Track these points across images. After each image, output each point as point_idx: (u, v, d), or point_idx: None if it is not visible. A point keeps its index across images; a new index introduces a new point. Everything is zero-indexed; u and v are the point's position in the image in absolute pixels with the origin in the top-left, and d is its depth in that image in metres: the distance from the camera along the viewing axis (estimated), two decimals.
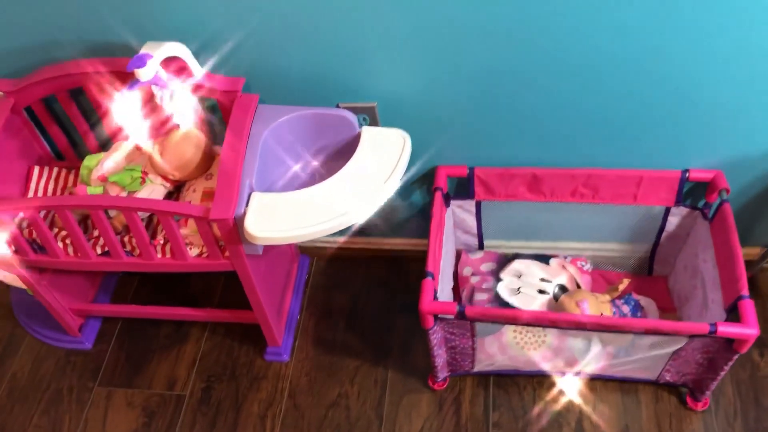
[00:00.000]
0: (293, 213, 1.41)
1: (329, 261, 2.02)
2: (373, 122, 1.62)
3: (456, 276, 1.85)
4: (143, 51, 1.33)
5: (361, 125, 1.57)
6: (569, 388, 1.70)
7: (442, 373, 1.70)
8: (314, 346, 1.84)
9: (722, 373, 1.50)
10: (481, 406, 1.70)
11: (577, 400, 1.68)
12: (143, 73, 1.31)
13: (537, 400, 1.69)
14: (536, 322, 1.45)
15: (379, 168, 1.49)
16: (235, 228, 1.41)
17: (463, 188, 1.75)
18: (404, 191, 1.81)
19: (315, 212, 1.41)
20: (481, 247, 1.88)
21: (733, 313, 1.43)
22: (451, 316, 1.47)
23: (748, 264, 1.85)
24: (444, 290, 1.66)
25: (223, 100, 1.54)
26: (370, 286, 1.96)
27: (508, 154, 1.67)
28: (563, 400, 1.69)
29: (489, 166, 1.68)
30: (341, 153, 1.58)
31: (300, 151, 1.59)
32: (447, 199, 1.73)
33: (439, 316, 1.48)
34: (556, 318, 1.43)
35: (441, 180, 1.68)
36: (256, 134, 1.49)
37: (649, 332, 1.43)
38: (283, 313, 1.84)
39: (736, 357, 1.44)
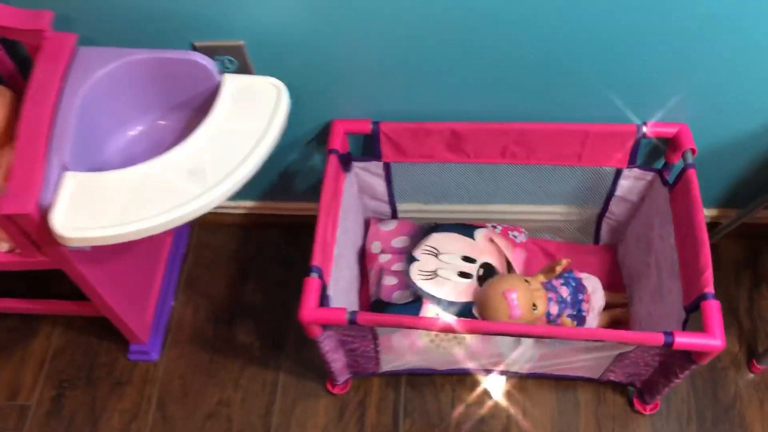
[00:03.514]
0: (126, 199, 1.04)
1: (214, 229, 1.66)
2: (244, 68, 1.23)
3: (365, 252, 1.53)
4: None
5: (222, 71, 1.19)
6: (495, 388, 1.42)
7: (342, 376, 1.39)
8: (191, 340, 1.51)
9: (676, 381, 1.23)
10: (390, 412, 1.41)
11: (504, 402, 1.40)
12: None
13: (457, 403, 1.41)
14: (446, 330, 1.14)
15: (245, 129, 1.12)
16: (45, 222, 1.04)
17: (369, 147, 1.39)
18: (301, 154, 1.45)
19: (157, 196, 1.05)
20: (394, 214, 1.55)
21: (694, 312, 1.14)
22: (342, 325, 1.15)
23: (711, 227, 1.56)
24: (343, 278, 1.33)
25: (29, 42, 1.13)
26: (263, 261, 1.61)
27: (421, 105, 1.30)
28: (488, 403, 1.40)
29: (399, 120, 1.32)
30: (203, 111, 1.20)
31: (144, 110, 1.20)
32: (347, 162, 1.37)
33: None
34: (471, 327, 1.12)
35: (337, 138, 1.31)
36: (72, 89, 1.10)
37: (589, 340, 1.14)
38: (149, 302, 1.49)
39: (694, 367, 1.16)
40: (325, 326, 1.17)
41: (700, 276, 1.12)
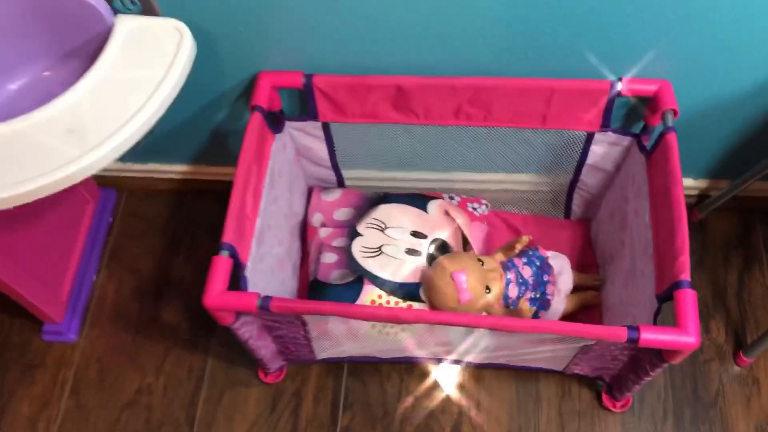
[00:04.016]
0: None
1: (144, 196, 1.50)
2: (149, 10, 1.04)
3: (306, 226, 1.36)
4: None
5: (117, 12, 1.01)
6: (447, 379, 1.26)
7: (274, 364, 1.24)
8: (113, 319, 1.36)
9: (647, 379, 1.07)
10: (329, 403, 1.25)
11: (457, 395, 1.25)
12: None
13: (403, 395, 1.26)
14: (373, 318, 0.98)
15: (137, 80, 0.95)
16: None
17: (305, 105, 1.21)
18: (230, 112, 1.27)
19: (27, 159, 0.89)
20: (341, 183, 1.37)
21: (668, 302, 0.97)
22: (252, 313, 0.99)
23: (699, 200, 1.39)
24: (270, 255, 1.16)
25: None
26: (196, 232, 1.45)
27: (362, 56, 1.12)
28: (439, 395, 1.25)
29: (337, 73, 1.14)
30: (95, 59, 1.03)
31: (26, 59, 1.03)
32: (278, 121, 1.20)
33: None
34: (403, 317, 0.96)
35: (263, 93, 1.13)
36: None
37: (541, 333, 0.98)
38: (65, 277, 1.34)
39: (665, 365, 1.00)
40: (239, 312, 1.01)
41: (674, 260, 0.94)
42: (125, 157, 1.45)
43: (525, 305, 1.16)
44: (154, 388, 1.28)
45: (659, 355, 0.97)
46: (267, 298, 0.96)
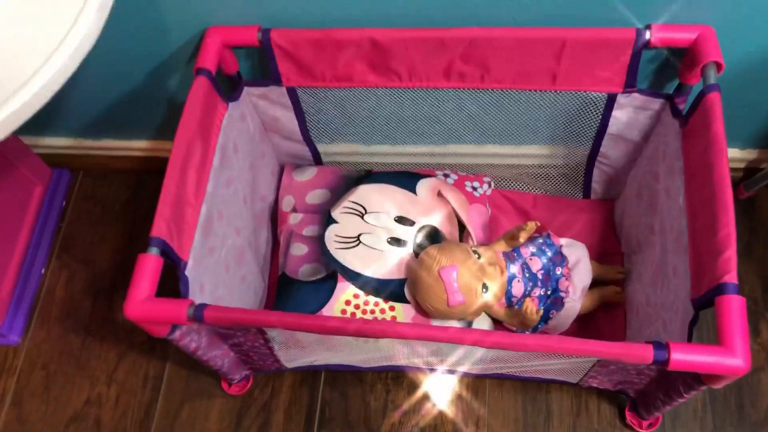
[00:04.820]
0: None
1: (101, 176, 1.32)
2: None
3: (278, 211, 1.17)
4: None
5: None
6: (441, 390, 1.07)
7: (237, 374, 1.06)
8: (62, 319, 1.19)
9: (679, 400, 0.86)
10: (302, 419, 1.07)
11: (452, 409, 1.06)
12: None
13: (389, 409, 1.07)
14: (336, 332, 0.78)
15: (33, 38, 0.76)
16: None
17: (267, 67, 1.02)
18: (184, 77, 1.08)
19: None
20: (317, 159, 1.18)
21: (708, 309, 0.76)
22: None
23: (747, 175, 1.16)
24: (224, 248, 0.97)
25: None
26: None
27: (331, 4, 0.92)
28: (431, 410, 1.06)
29: (300, 26, 0.93)
30: None
31: None
32: (235, 87, 1.00)
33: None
34: (368, 330, 0.76)
35: (210, 53, 0.94)
36: None
37: (542, 351, 0.78)
38: (7, 270, 1.17)
39: (704, 389, 0.79)
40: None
41: (717, 257, 0.73)
42: (78, 133, 1.30)
43: (530, 306, 0.95)
44: (105, 399, 1.12)
45: (696, 377, 0.77)
46: (201, 307, 0.78)
